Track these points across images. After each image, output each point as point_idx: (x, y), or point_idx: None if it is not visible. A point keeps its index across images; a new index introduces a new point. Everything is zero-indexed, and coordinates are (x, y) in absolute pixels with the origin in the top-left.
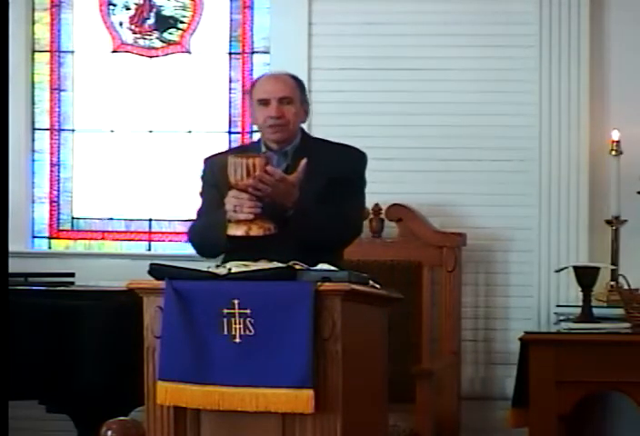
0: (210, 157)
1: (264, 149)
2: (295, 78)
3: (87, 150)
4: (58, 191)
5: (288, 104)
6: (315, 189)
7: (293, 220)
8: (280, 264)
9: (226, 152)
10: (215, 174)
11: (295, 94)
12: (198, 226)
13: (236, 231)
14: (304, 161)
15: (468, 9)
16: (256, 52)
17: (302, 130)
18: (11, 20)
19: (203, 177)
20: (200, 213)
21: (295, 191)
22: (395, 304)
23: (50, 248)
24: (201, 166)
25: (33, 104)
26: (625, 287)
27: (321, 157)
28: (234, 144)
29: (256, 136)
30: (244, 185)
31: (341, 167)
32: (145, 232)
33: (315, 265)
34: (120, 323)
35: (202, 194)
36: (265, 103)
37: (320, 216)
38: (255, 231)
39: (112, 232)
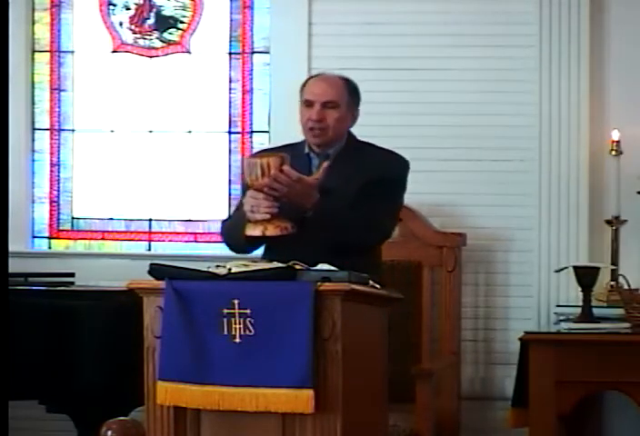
0: (249, 156)
1: (307, 150)
2: (348, 81)
3: (87, 150)
4: (58, 191)
5: (332, 108)
6: (353, 191)
7: (311, 221)
8: (280, 264)
9: (269, 150)
10: None
11: (341, 98)
12: (227, 225)
13: (253, 231)
14: (325, 163)
15: (468, 9)
16: (256, 52)
17: (349, 133)
18: (11, 20)
19: (242, 175)
20: (235, 210)
21: (313, 192)
22: (395, 304)
23: (50, 248)
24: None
25: (33, 104)
26: (625, 287)
27: (362, 160)
28: (234, 145)
29: (257, 136)
30: (259, 185)
31: (380, 170)
32: (145, 232)
33: (316, 265)
34: (120, 323)
35: (243, 192)
36: (309, 104)
37: (343, 218)
38: (272, 230)
39: (112, 232)
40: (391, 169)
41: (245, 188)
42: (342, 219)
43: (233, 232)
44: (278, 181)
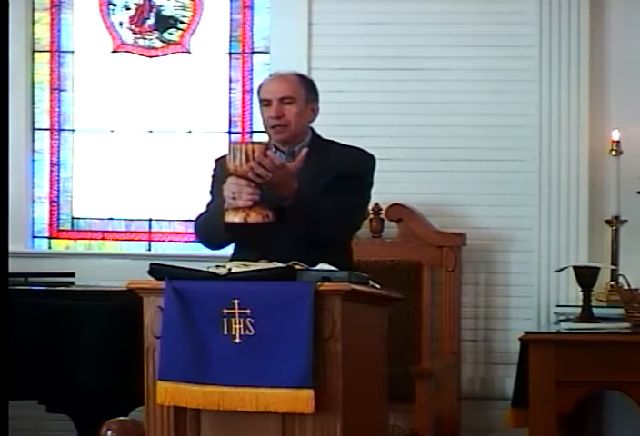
0: (221, 157)
1: (272, 150)
2: (302, 77)
3: (87, 150)
4: (58, 191)
5: (289, 104)
6: (321, 187)
7: (290, 210)
8: (280, 264)
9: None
10: (225, 172)
11: (297, 93)
12: (202, 218)
13: (234, 218)
14: (304, 150)
15: (468, 9)
16: (256, 52)
17: (313, 131)
18: (11, 20)
19: (214, 176)
20: (208, 205)
21: (293, 180)
22: (395, 304)
23: (50, 248)
24: (210, 166)
25: (33, 103)
26: (625, 287)
27: (329, 157)
28: None
29: (257, 136)
30: (243, 171)
31: (347, 165)
32: (145, 232)
33: (315, 265)
34: (120, 323)
35: (211, 192)
36: (267, 103)
37: (318, 208)
38: (254, 217)
39: (112, 232)
40: (358, 164)
41: (218, 185)
42: (316, 209)
43: (210, 222)
44: (262, 165)
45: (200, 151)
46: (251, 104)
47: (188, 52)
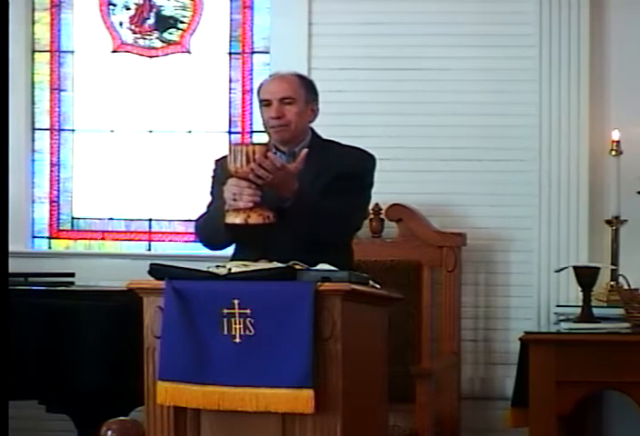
0: (221, 158)
1: (273, 150)
2: (302, 77)
3: (87, 150)
4: (58, 191)
5: (289, 104)
6: (321, 187)
7: (290, 211)
8: (280, 264)
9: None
10: (225, 172)
11: (297, 93)
12: (203, 219)
13: (235, 219)
14: (304, 151)
15: (468, 9)
16: (256, 52)
17: (313, 131)
18: (11, 20)
19: (213, 177)
20: (208, 206)
21: (293, 181)
22: (395, 304)
23: (50, 248)
24: (210, 167)
25: (33, 103)
26: (625, 287)
27: (329, 157)
28: None
29: (257, 136)
30: (243, 173)
31: (347, 165)
32: (145, 232)
33: (316, 265)
34: (120, 323)
35: (212, 193)
36: (267, 103)
37: (318, 209)
38: (255, 218)
39: (112, 232)
40: (358, 164)
41: (218, 186)
42: (316, 210)
43: (210, 223)
44: (263, 167)
45: (200, 151)
46: (251, 103)
47: (188, 52)
